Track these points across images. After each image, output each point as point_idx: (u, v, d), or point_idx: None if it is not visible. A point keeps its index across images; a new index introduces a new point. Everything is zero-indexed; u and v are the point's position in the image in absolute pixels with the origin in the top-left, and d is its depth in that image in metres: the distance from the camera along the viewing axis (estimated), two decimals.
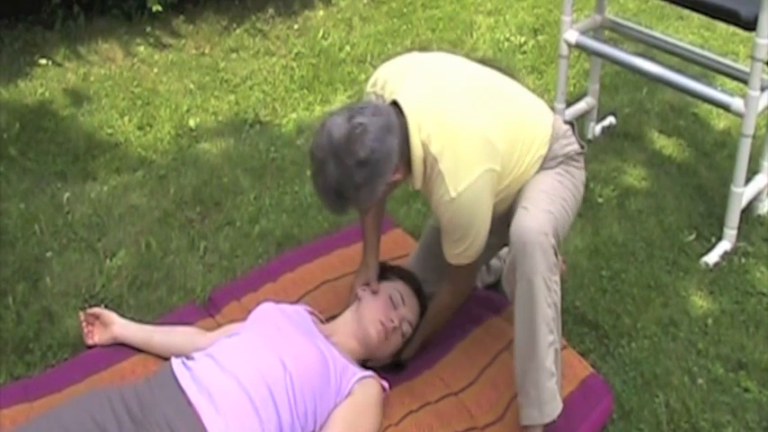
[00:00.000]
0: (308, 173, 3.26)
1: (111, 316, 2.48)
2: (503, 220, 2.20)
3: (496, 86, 2.29)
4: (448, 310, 2.45)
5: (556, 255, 2.09)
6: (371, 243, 2.51)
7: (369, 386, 2.22)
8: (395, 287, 2.40)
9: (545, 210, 2.13)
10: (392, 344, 2.35)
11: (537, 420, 2.17)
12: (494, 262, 2.67)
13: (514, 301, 2.13)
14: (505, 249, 2.33)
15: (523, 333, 2.13)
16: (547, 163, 2.25)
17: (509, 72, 2.48)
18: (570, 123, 2.35)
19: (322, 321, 2.44)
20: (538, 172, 2.25)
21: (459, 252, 2.18)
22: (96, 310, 2.50)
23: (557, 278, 2.11)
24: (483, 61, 2.39)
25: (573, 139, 2.31)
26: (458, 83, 2.22)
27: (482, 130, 2.10)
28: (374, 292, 2.39)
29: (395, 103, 2.12)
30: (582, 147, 2.33)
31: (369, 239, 2.51)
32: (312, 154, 2.05)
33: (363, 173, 2.00)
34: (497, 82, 2.31)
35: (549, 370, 2.15)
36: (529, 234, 2.06)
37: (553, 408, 2.17)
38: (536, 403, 2.16)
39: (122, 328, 2.46)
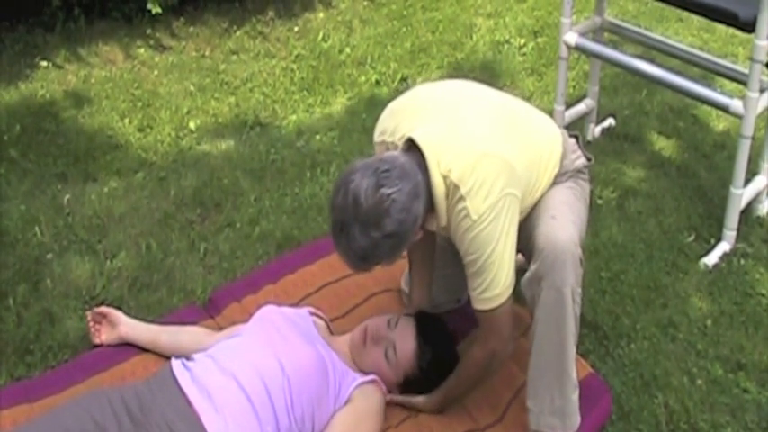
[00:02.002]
0: (308, 175, 3.29)
1: (118, 315, 2.48)
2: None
3: (510, 110, 2.24)
4: (478, 369, 2.22)
5: (581, 267, 2.09)
6: (416, 281, 2.47)
7: (369, 392, 2.22)
8: (399, 315, 2.35)
9: (571, 221, 2.12)
10: (372, 355, 2.27)
11: (558, 429, 2.18)
12: None
13: (536, 308, 2.10)
14: None
15: (551, 344, 2.11)
16: (558, 179, 2.24)
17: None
18: (575, 136, 2.35)
19: (326, 322, 2.44)
20: (551, 187, 2.23)
21: (482, 290, 2.05)
22: (103, 308, 2.50)
23: (580, 290, 2.10)
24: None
25: (580, 152, 2.32)
26: (473, 112, 2.15)
27: (502, 154, 2.04)
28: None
29: (411, 140, 2.05)
30: (588, 159, 2.33)
31: (414, 277, 2.49)
32: (335, 214, 1.95)
33: (389, 243, 1.94)
34: (510, 105, 2.27)
35: (574, 382, 2.16)
36: (562, 245, 2.04)
37: (575, 421, 2.19)
38: (560, 413, 2.16)
39: (129, 327, 2.46)
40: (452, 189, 2.00)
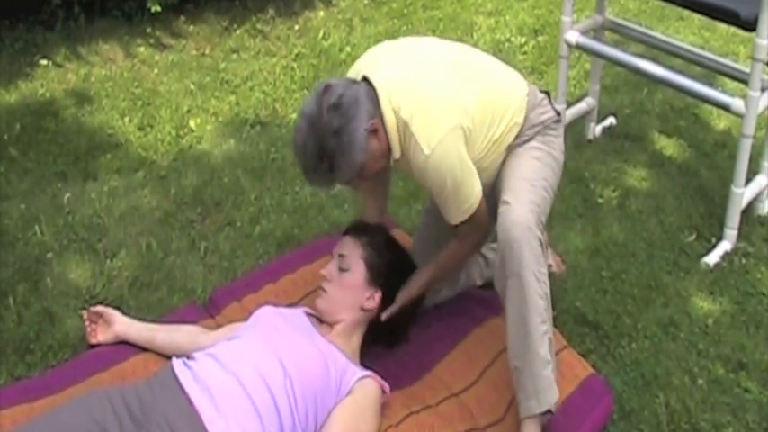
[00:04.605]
0: None
1: (113, 314, 2.48)
2: (487, 196, 2.27)
3: (468, 56, 2.36)
4: (459, 259, 2.44)
5: (541, 245, 2.14)
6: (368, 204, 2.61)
7: (368, 386, 2.22)
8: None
9: (527, 200, 2.18)
10: (336, 282, 2.37)
11: (535, 410, 2.18)
12: (492, 256, 2.67)
13: (505, 297, 2.17)
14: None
15: (517, 327, 2.16)
16: (524, 132, 2.31)
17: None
18: (546, 93, 2.41)
19: (322, 323, 2.44)
20: (515, 149, 2.30)
21: (458, 206, 2.20)
22: (99, 308, 2.50)
23: (544, 269, 2.16)
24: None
25: (549, 107, 2.37)
26: (427, 55, 2.29)
27: (449, 91, 2.18)
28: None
29: (365, 80, 2.19)
30: (558, 114, 2.39)
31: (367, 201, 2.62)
32: (293, 143, 2.13)
33: (337, 116, 2.06)
34: (470, 53, 2.39)
35: (545, 358, 2.17)
36: (514, 230, 2.11)
37: (550, 396, 2.19)
38: (533, 393, 2.17)
39: (125, 326, 2.46)
40: (403, 126, 2.14)
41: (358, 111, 2.09)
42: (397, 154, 2.20)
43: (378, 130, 2.14)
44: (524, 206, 2.16)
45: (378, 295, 2.38)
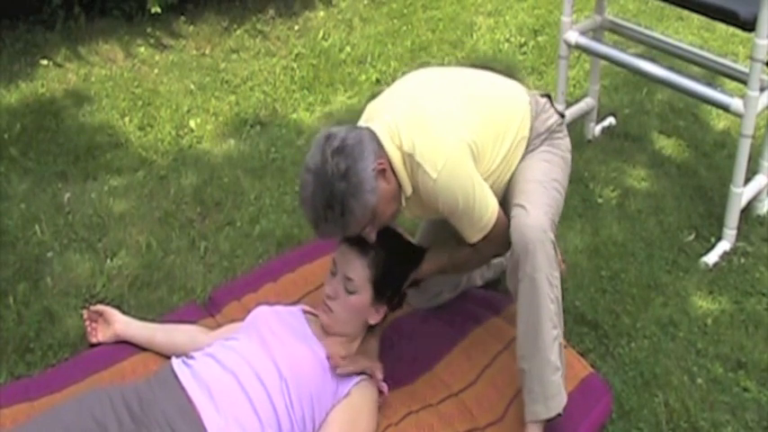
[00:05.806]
0: None
1: (113, 313, 2.49)
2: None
3: (463, 75, 2.35)
4: (471, 263, 2.43)
5: (555, 249, 2.13)
6: None
7: (365, 388, 2.22)
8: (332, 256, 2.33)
9: (541, 203, 2.17)
10: (342, 305, 2.26)
11: (542, 415, 2.18)
12: (496, 259, 2.67)
13: (517, 298, 2.15)
14: None
15: (527, 330, 2.15)
16: (531, 143, 2.30)
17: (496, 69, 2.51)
18: (547, 95, 2.39)
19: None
20: (524, 157, 2.28)
21: (472, 225, 2.17)
22: (99, 307, 2.51)
23: (557, 273, 2.14)
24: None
25: (552, 111, 2.36)
26: (420, 87, 2.27)
27: (445, 109, 2.17)
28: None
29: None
30: (561, 115, 2.38)
31: None
32: (301, 199, 2.09)
33: (342, 158, 2.02)
34: (464, 73, 2.38)
35: (554, 364, 2.16)
36: (530, 234, 2.09)
37: (558, 402, 2.18)
38: (541, 398, 2.17)
39: (125, 325, 2.46)
40: (408, 159, 2.12)
41: (364, 150, 2.05)
42: (408, 190, 2.15)
43: (386, 169, 2.10)
44: (539, 209, 2.15)
45: (383, 309, 2.32)
